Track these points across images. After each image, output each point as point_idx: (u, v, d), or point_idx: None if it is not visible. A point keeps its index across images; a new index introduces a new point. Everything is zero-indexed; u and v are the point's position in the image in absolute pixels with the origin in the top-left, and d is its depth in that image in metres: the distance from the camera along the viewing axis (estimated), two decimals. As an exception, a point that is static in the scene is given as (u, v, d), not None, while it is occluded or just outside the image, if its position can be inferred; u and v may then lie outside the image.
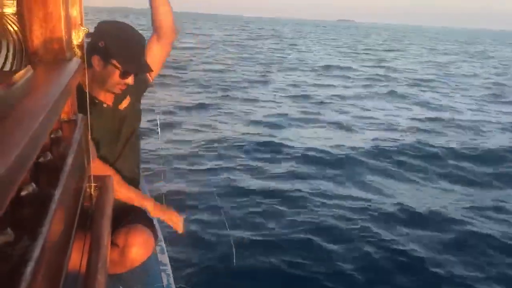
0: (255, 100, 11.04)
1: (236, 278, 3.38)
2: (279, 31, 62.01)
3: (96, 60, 2.00)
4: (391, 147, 7.30)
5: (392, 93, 13.31)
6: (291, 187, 5.32)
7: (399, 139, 7.83)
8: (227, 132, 7.74)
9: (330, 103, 11.37)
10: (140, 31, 2.11)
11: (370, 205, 4.93)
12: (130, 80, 2.05)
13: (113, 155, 2.17)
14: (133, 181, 2.27)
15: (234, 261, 3.23)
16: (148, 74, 2.26)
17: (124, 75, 2.02)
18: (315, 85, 14.34)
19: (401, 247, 4.01)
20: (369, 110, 10.79)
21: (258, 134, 7.80)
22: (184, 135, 7.57)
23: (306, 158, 6.52)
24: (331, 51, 30.26)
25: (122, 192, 2.10)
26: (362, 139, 7.78)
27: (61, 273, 0.84)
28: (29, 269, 0.60)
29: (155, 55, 2.21)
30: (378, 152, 6.97)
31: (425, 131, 8.72)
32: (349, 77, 16.81)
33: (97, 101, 2.08)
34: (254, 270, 3.52)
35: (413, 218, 4.67)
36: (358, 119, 9.51)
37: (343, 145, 7.22)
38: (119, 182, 2.07)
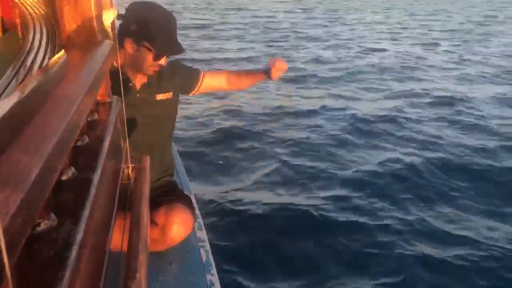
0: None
1: (273, 254, 3.35)
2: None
3: (128, 43, 2.01)
4: None
5: None
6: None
7: None
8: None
9: None
10: (169, 8, 2.10)
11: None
12: (162, 61, 2.06)
13: (146, 140, 2.17)
14: (167, 168, 2.31)
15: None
16: (195, 83, 2.33)
17: (157, 57, 2.02)
18: None
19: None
20: None
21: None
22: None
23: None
24: None
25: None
26: None
27: (104, 254, 0.85)
28: (73, 252, 0.60)
29: (216, 86, 2.45)
30: None
31: None
32: None
33: (131, 84, 2.09)
34: (295, 247, 3.43)
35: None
36: None
37: None
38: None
